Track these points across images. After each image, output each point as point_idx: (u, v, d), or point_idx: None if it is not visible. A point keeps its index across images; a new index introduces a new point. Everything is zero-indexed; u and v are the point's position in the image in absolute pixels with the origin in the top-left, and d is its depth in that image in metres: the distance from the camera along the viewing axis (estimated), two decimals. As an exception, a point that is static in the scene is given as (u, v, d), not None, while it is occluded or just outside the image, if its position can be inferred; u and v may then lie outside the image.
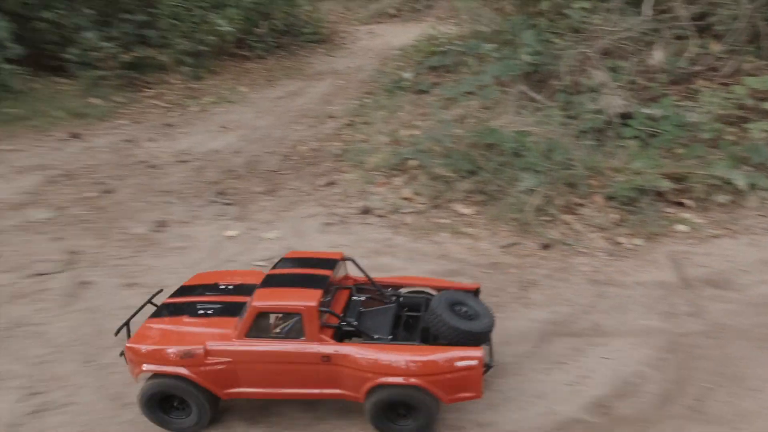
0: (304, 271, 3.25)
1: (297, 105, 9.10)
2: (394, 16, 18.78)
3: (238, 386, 3.07)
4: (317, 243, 4.79)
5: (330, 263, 3.30)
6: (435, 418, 3.02)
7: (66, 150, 6.93)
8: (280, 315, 3.00)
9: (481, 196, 5.21)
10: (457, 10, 12.61)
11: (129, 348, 3.01)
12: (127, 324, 3.13)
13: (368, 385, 2.91)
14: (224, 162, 6.63)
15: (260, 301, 2.97)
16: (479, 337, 3.09)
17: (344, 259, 3.45)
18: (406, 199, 5.37)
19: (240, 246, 4.78)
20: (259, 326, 2.97)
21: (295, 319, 2.94)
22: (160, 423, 3.11)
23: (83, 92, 8.74)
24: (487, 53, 8.05)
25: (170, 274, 4.29)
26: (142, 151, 6.94)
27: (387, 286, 3.56)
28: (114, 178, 6.10)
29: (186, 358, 2.98)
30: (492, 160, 5.39)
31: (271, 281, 3.16)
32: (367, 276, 3.46)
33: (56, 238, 4.87)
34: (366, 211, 5.20)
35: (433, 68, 9.42)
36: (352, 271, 3.54)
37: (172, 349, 3.00)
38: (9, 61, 7.99)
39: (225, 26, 11.03)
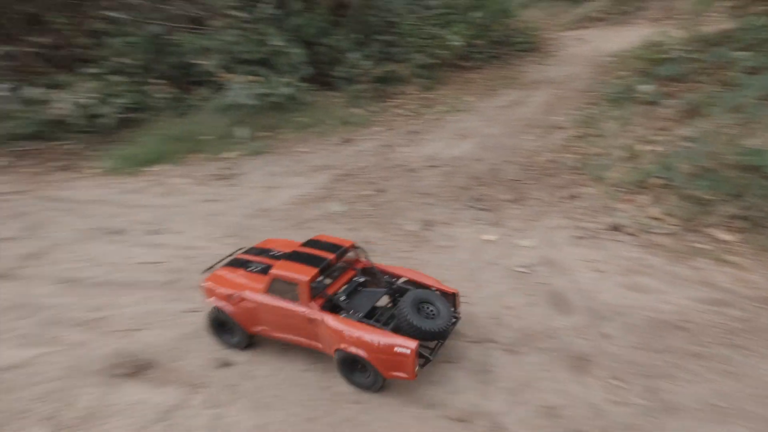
0: (316, 252, 3.91)
1: (521, 114, 9.31)
2: (600, 20, 17.73)
3: (259, 326, 3.92)
4: (570, 256, 4.95)
5: (337, 248, 3.96)
6: (382, 381, 3.54)
7: (342, 153, 7.96)
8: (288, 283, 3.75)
9: (744, 222, 4.87)
10: (676, 10, 11.70)
11: (202, 284, 4.05)
12: (211, 268, 4.21)
13: (334, 347, 3.58)
14: (468, 168, 7.06)
15: (276, 270, 3.78)
16: (427, 335, 3.49)
17: (354, 247, 4.10)
18: (655, 219, 5.24)
19: (498, 250, 5.12)
20: (274, 287, 3.75)
21: (294, 287, 3.67)
22: (217, 339, 4.05)
23: (347, 103, 9.87)
24: (739, 60, 7.46)
25: (443, 269, 4.78)
26: (397, 156, 7.73)
27: (388, 274, 4.10)
28: (382, 179, 6.88)
29: (228, 298, 3.90)
30: (756, 184, 4.99)
31: (292, 256, 3.92)
32: (370, 263, 4.11)
33: (352, 228, 5.68)
34: (615, 228, 5.23)
35: (662, 77, 8.73)
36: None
37: (222, 290, 3.96)
38: (301, 79, 9.49)
39: (456, 41, 11.75)
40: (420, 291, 3.75)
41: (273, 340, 3.94)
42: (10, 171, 8.38)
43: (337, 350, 3.58)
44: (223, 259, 4.33)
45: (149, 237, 5.77)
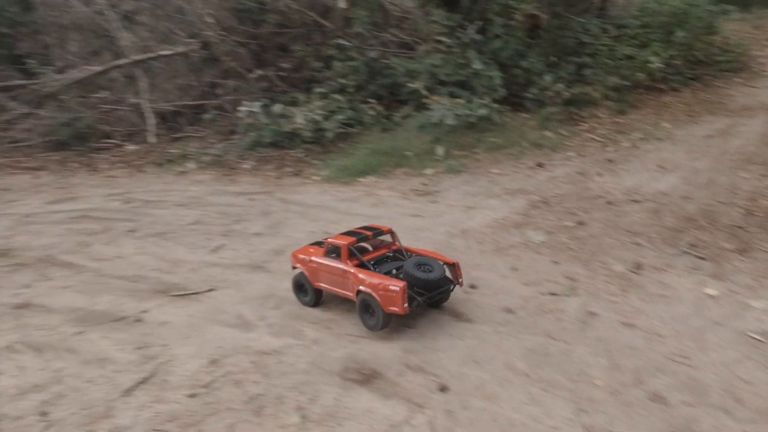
0: (360, 230, 4.88)
1: (733, 146, 8.13)
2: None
3: (319, 282, 4.75)
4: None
5: (375, 230, 4.88)
6: (384, 320, 4.20)
7: (536, 177, 7.60)
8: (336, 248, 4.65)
9: None
10: None
11: (292, 254, 5.06)
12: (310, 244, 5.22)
13: (355, 289, 4.38)
14: (676, 207, 6.28)
15: (331, 239, 4.78)
16: (420, 282, 4.24)
17: (391, 232, 4.98)
18: None
19: (723, 308, 4.41)
20: (329, 251, 4.70)
21: (339, 249, 4.58)
22: (298, 298, 4.93)
23: (538, 126, 9.42)
24: None
25: (660, 322, 4.26)
26: (594, 185, 7.17)
27: (410, 252, 4.85)
28: (580, 210, 6.39)
29: (304, 261, 4.84)
30: None
31: (343, 232, 4.87)
32: (399, 244, 4.94)
33: (553, 261, 5.32)
34: None
35: None
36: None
37: (301, 256, 4.91)
38: (495, 101, 9.31)
39: (655, 62, 10.67)
40: (422, 257, 4.63)
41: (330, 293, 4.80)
42: (256, 173, 9.44)
43: (357, 292, 4.39)
44: (316, 242, 5.26)
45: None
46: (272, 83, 12.20)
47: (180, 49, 13.49)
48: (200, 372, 3.89)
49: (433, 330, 4.31)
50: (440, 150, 8.59)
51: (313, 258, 4.82)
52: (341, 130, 9.91)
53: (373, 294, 4.22)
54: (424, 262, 4.45)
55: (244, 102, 10.99)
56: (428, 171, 8.20)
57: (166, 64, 14.31)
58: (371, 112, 10.25)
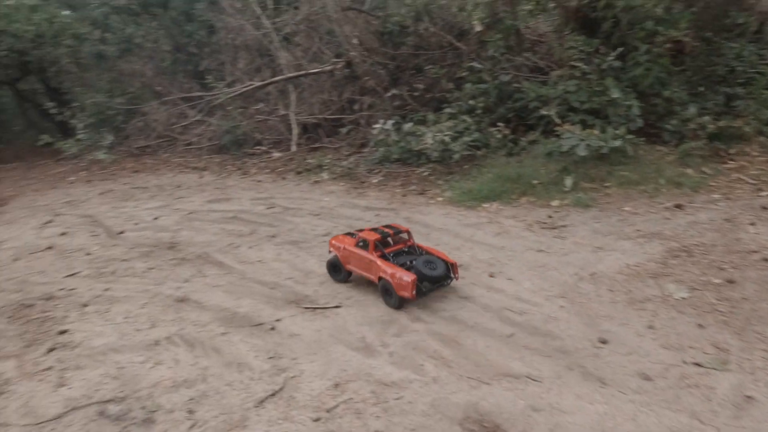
0: (384, 229, 5.69)
1: None
2: None
3: (349, 265, 5.61)
4: None
5: (396, 229, 5.69)
6: (399, 302, 5.07)
7: (675, 221, 6.63)
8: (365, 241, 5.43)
9: None
10: None
11: (330, 241, 5.89)
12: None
13: (377, 276, 5.23)
14: None
15: (361, 234, 5.56)
16: (426, 277, 5.07)
17: (408, 232, 5.74)
18: None
19: None
20: (359, 243, 5.48)
21: (367, 243, 5.38)
22: (331, 276, 5.86)
23: (677, 161, 8.32)
24: None
25: None
26: (747, 237, 6.07)
27: (421, 248, 5.67)
28: (730, 266, 5.42)
29: (338, 249, 5.66)
30: None
31: (372, 229, 5.70)
32: (413, 241, 5.72)
33: (698, 324, 4.52)
34: None
35: None
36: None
37: (336, 244, 5.72)
38: (630, 132, 8.39)
39: (825, 95, 9.04)
40: (430, 255, 5.43)
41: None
42: (383, 188, 9.49)
43: (379, 278, 5.25)
44: (350, 232, 6.01)
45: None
46: (405, 102, 12.27)
47: (327, 67, 14.08)
48: (324, 394, 3.86)
49: (558, 385, 3.87)
50: (569, 181, 7.96)
51: (346, 246, 5.64)
52: (468, 152, 9.64)
53: (390, 281, 5.10)
54: (431, 260, 5.30)
55: (379, 120, 11.16)
56: (555, 203, 7.62)
57: (313, 81, 15.01)
58: (498, 135, 9.83)
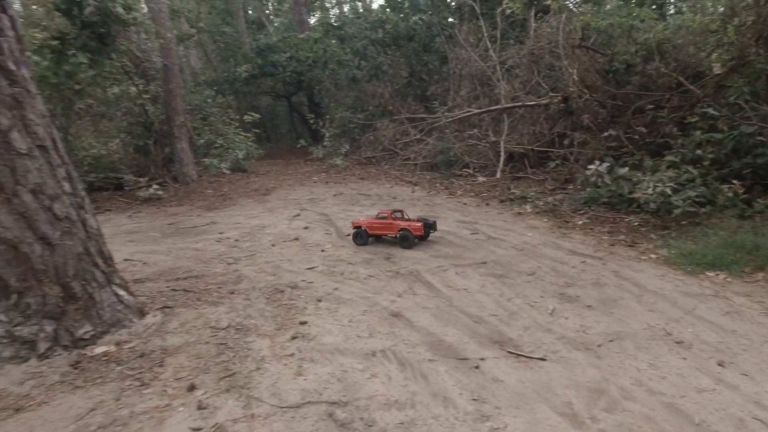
0: (395, 210, 8.01)
1: None
2: None
3: (374, 230, 7.71)
4: None
5: (401, 211, 8.12)
6: (413, 242, 7.53)
7: None
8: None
9: None
10: None
11: (352, 222, 7.99)
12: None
13: (397, 229, 7.57)
14: None
15: (380, 212, 7.84)
16: (427, 226, 7.62)
17: (402, 211, 8.21)
18: None
19: None
20: (380, 216, 7.73)
21: (386, 214, 7.69)
22: (354, 242, 7.80)
23: None
24: None
25: None
26: None
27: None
28: None
29: (363, 224, 7.75)
30: None
31: (386, 210, 7.99)
32: (408, 215, 8.32)
33: None
34: None
35: None
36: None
37: (360, 221, 7.86)
38: None
39: None
40: (423, 217, 8.45)
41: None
42: (589, 232, 8.54)
43: (398, 230, 7.54)
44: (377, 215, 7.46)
45: (714, 367, 4.57)
46: (620, 143, 10.88)
47: (543, 101, 13.38)
48: (529, 461, 3.47)
49: None
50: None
51: (370, 221, 7.74)
52: (690, 208, 8.08)
53: (409, 228, 7.45)
54: (425, 219, 7.80)
55: (594, 160, 10.11)
56: (815, 291, 5.85)
57: (527, 112, 14.42)
58: (729, 194, 8.00)
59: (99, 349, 4.32)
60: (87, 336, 4.32)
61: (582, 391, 4.29)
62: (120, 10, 8.93)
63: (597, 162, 9.90)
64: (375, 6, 20.77)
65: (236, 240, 8.18)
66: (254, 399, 3.93)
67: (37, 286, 4.18)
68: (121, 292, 4.75)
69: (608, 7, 13.51)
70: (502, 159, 13.47)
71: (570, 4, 13.50)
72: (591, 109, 12.13)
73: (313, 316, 5.33)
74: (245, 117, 12.87)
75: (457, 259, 7.36)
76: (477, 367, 4.64)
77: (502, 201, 11.08)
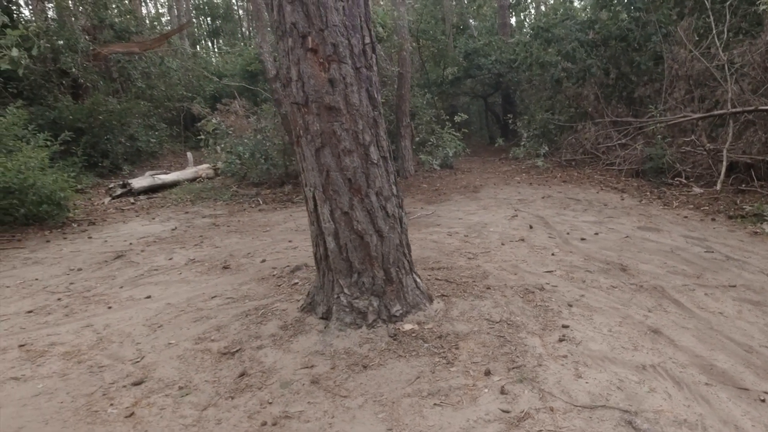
0: None
1: None
2: None
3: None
4: None
5: None
6: None
7: None
8: None
9: None
10: None
11: None
12: None
13: None
14: None
15: None
16: None
17: None
18: None
19: None
20: None
21: None
22: None
23: None
24: None
25: None
26: None
27: None
28: None
29: None
30: None
31: None
32: None
33: None
34: None
35: None
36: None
37: None
38: None
39: None
40: None
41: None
42: None
43: None
44: None
45: None
46: None
47: (789, 106, 11.13)
48: None
49: None
50: None
51: None
52: None
53: None
54: None
55: None
56: None
57: (758, 117, 12.19)
58: None
59: (407, 327, 5.00)
60: (397, 314, 5.04)
61: None
62: (379, 29, 10.06)
63: None
64: (576, 4, 19.46)
65: (465, 235, 8.67)
66: (547, 393, 4.20)
67: (370, 269, 5.00)
68: (417, 279, 5.40)
69: None
70: (723, 169, 11.67)
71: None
72: None
73: (572, 321, 5.42)
74: (455, 117, 13.37)
75: (700, 279, 6.69)
76: (764, 401, 4.24)
77: (730, 217, 9.62)
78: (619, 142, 13.38)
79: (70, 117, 13.43)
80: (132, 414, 3.59)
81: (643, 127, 13.22)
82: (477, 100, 20.78)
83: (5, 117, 9.08)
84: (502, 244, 8.05)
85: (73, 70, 13.65)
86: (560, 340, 5.02)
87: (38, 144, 9.44)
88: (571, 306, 5.80)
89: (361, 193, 4.82)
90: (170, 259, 8.07)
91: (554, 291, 6.19)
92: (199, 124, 15.37)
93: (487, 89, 19.07)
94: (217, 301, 6.27)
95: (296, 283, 6.62)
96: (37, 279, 6.74)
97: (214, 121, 13.48)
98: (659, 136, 12.24)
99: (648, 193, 11.37)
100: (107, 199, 11.49)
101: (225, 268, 7.62)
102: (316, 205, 4.99)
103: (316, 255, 5.35)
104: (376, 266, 5.01)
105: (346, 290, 5.06)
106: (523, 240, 8.23)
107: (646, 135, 12.89)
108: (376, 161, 4.86)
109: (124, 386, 4.00)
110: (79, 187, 9.01)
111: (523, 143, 14.15)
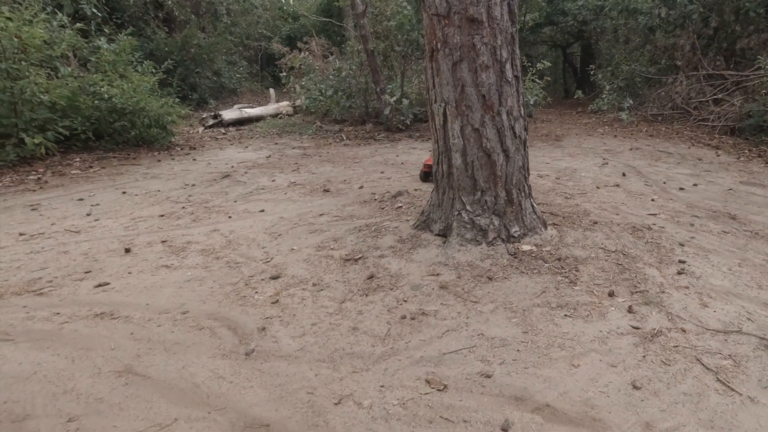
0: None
1: None
2: None
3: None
4: None
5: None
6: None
7: None
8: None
9: None
10: None
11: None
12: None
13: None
14: None
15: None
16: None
17: None
18: None
19: None
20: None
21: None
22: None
23: None
24: None
25: None
26: None
27: None
28: None
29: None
30: None
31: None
32: None
33: None
34: None
35: None
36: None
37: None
38: None
39: None
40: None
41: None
42: None
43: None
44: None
45: None
46: None
47: None
48: None
49: None
50: None
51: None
52: None
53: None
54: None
55: None
56: None
57: None
58: None
59: (525, 247, 4.96)
60: (516, 234, 4.98)
61: None
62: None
63: None
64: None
65: (557, 178, 8.39)
66: (675, 316, 4.10)
67: (494, 188, 4.93)
68: (534, 204, 5.30)
69: None
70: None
71: None
72: None
73: (687, 258, 5.21)
74: (538, 65, 12.62)
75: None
76: None
77: None
78: (714, 97, 12.24)
79: (166, 49, 13.78)
80: (277, 301, 3.82)
81: (742, 82, 11.98)
82: (554, 50, 19.32)
83: (118, 44, 9.38)
84: (597, 187, 7.74)
85: (168, 2, 13.84)
86: (679, 273, 4.85)
87: (145, 71, 9.74)
88: (683, 245, 5.56)
89: (493, 110, 4.68)
90: (273, 180, 8.36)
91: (662, 231, 5.94)
92: (278, 62, 15.38)
93: (568, 38, 17.63)
94: (326, 218, 6.47)
95: (400, 207, 6.69)
96: (159, 190, 7.17)
97: (301, 56, 13.43)
98: (764, 92, 11.07)
99: (747, 151, 10.47)
100: (201, 129, 11.89)
101: (326, 191, 7.81)
102: (445, 121, 4.91)
103: (437, 173, 5.34)
104: (500, 186, 4.95)
105: (468, 207, 5.05)
106: (618, 185, 7.87)
107: (745, 90, 11.69)
108: (510, 79, 4.68)
109: (263, 279, 4.23)
110: (182, 112, 9.31)
111: (604, 96, 13.23)
